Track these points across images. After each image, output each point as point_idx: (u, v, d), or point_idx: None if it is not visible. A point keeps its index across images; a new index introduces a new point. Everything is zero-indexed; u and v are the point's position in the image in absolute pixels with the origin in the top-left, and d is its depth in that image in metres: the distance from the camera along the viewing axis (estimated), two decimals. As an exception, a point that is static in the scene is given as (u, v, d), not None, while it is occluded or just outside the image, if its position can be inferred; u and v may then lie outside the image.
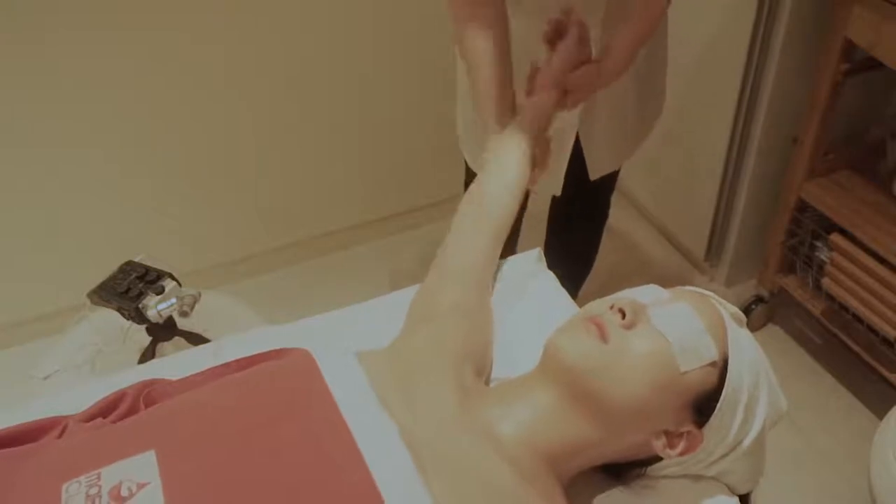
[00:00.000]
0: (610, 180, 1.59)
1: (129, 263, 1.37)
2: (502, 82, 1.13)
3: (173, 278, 1.33)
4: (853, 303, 1.64)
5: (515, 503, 0.69)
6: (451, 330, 0.87)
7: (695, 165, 2.02)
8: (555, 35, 1.10)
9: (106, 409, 0.79)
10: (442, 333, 0.86)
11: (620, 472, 0.82)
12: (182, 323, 1.38)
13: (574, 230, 1.75)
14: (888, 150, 1.72)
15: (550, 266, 1.12)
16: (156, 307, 1.29)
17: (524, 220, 1.62)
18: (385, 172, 2.26)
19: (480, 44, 1.12)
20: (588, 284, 1.83)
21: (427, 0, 1.92)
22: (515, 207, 1.03)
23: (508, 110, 1.14)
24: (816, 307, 1.78)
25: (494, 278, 1.05)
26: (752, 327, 1.83)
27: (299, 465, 0.65)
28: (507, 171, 1.04)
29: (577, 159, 1.43)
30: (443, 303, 0.92)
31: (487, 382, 0.90)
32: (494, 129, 1.11)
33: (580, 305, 0.87)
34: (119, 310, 1.31)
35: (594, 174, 1.46)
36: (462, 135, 1.52)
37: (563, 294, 1.06)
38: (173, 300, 1.30)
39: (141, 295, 1.29)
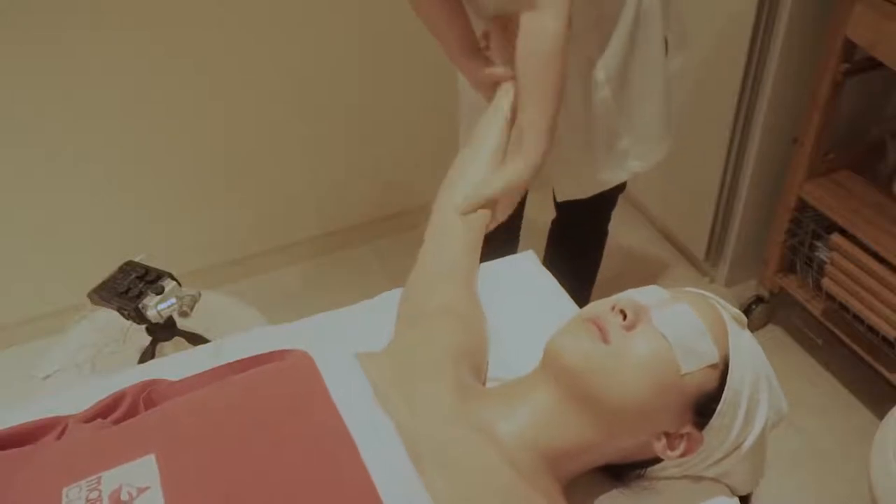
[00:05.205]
0: (603, 204, 1.55)
1: (129, 263, 1.36)
2: (461, 34, 1.18)
3: (173, 278, 1.33)
4: (853, 303, 1.64)
5: (515, 503, 0.69)
6: (446, 329, 0.87)
7: (695, 166, 2.02)
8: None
9: (106, 410, 0.79)
10: (436, 333, 0.86)
11: (621, 472, 0.82)
12: (182, 323, 1.38)
13: (568, 250, 1.70)
14: (888, 150, 1.72)
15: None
16: (156, 307, 1.29)
17: (522, 227, 1.61)
18: (385, 172, 2.26)
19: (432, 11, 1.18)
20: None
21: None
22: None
23: (474, 52, 1.18)
24: (816, 307, 1.78)
25: (493, 279, 1.05)
26: (752, 327, 1.82)
27: (299, 467, 0.65)
28: (482, 165, 1.08)
29: None
30: (431, 304, 0.92)
31: (484, 383, 0.90)
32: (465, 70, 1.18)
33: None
34: (119, 310, 1.31)
35: (559, 196, 1.45)
36: (463, 133, 1.52)
37: (563, 294, 1.06)
38: (173, 300, 1.30)
39: (141, 295, 1.29)
